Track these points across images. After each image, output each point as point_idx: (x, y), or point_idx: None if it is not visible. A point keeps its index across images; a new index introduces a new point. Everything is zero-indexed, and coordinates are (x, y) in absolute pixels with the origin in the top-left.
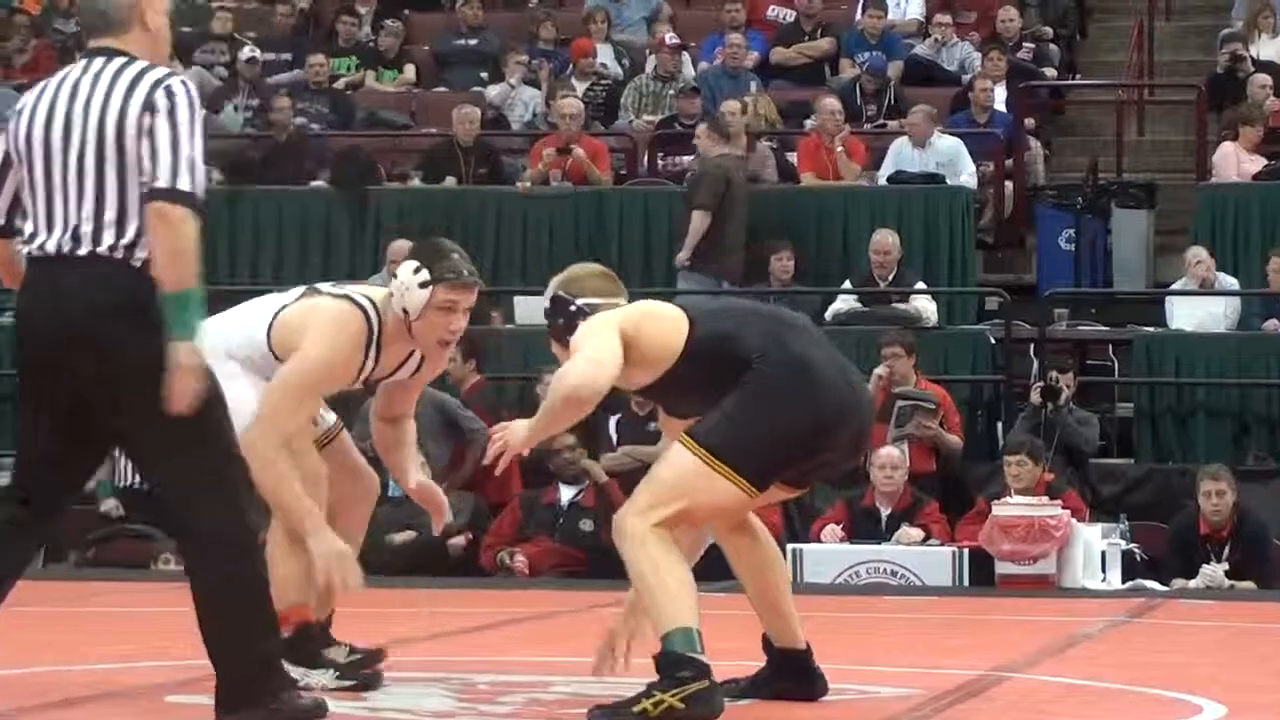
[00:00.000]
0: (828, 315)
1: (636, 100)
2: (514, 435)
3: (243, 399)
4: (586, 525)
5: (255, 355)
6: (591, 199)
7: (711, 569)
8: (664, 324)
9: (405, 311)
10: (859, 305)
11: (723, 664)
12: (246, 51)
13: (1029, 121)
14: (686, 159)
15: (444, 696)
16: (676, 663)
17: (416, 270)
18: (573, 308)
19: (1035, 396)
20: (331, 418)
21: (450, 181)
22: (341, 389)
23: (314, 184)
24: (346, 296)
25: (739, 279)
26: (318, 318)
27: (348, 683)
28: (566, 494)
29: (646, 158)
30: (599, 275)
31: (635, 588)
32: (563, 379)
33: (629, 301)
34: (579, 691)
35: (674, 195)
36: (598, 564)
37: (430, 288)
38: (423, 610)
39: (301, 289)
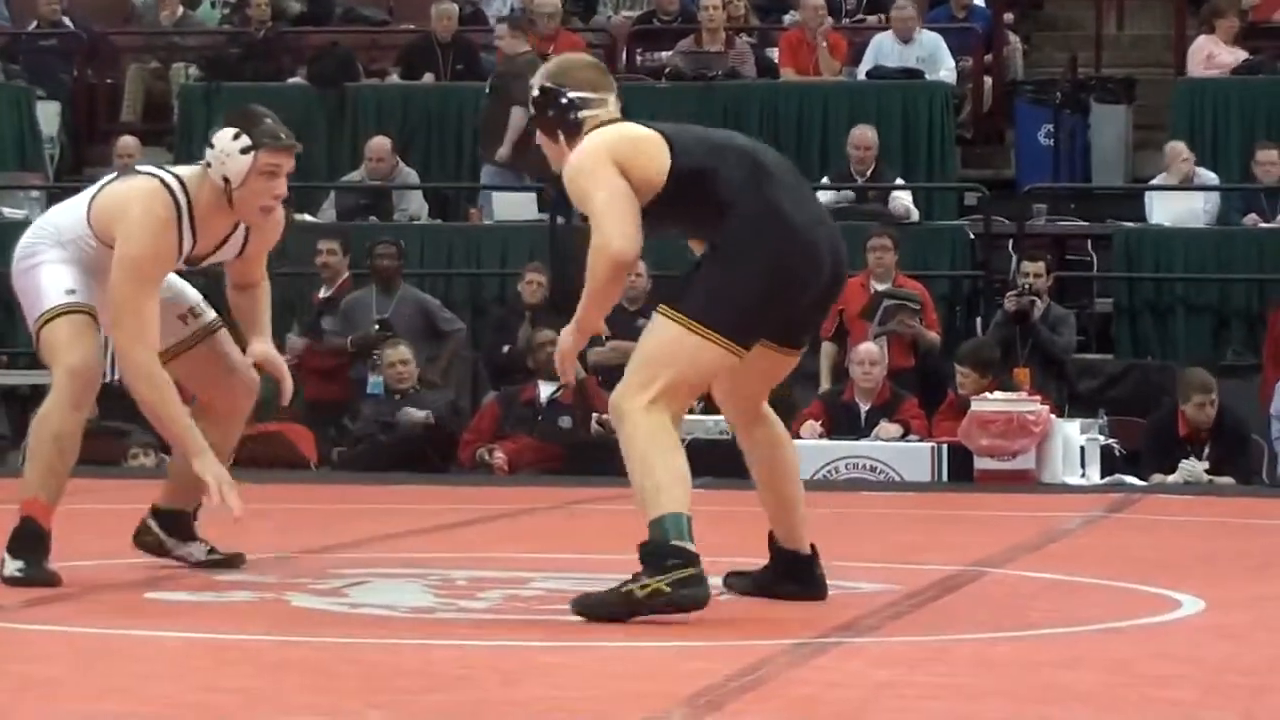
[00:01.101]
0: None
1: None
2: (563, 342)
3: (54, 280)
4: (565, 422)
5: (80, 236)
6: None
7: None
8: (649, 157)
9: (226, 180)
10: (844, 201)
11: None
12: None
13: (1008, 16)
14: (665, 55)
15: (422, 592)
16: (664, 551)
17: (236, 137)
18: (563, 100)
19: (1009, 304)
20: (211, 315)
21: (428, 78)
22: (168, 270)
23: (291, 80)
24: (154, 175)
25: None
26: (126, 202)
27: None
28: (545, 390)
29: (625, 53)
30: (589, 66)
31: (628, 471)
32: (601, 252)
33: (620, 98)
34: (556, 587)
35: (652, 91)
36: (576, 460)
37: (252, 153)
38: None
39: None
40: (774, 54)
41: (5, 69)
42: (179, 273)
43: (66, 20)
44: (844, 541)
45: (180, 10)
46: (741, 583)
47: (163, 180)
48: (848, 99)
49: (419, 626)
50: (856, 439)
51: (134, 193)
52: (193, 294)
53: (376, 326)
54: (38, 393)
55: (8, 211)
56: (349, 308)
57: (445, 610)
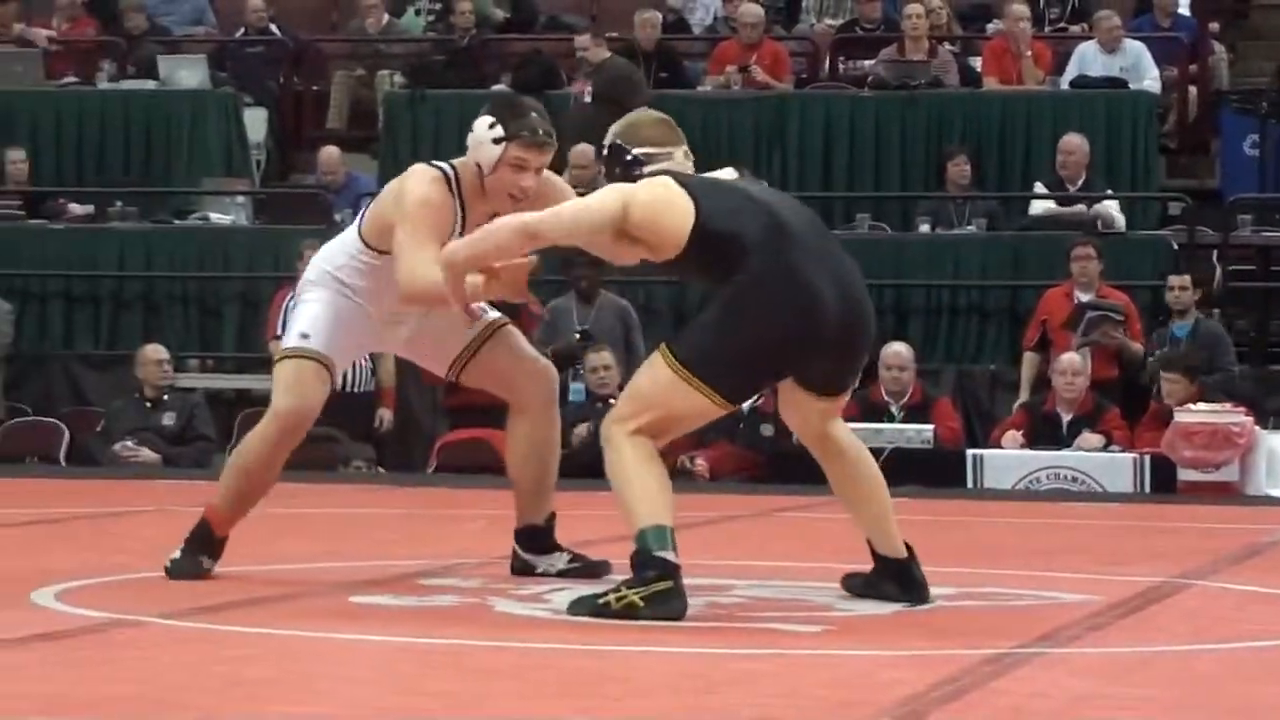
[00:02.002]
0: (970, 224)
1: (818, 3)
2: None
3: (299, 322)
4: (767, 430)
5: (351, 257)
6: (772, 104)
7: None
8: (674, 218)
9: (479, 166)
10: (1051, 209)
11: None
12: None
13: (1213, 25)
14: (867, 63)
15: None
16: (645, 562)
17: (491, 125)
18: (628, 157)
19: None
20: (494, 313)
21: None
22: (445, 231)
23: (495, 87)
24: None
25: None
26: (397, 187)
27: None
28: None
29: (828, 62)
30: (657, 123)
31: (613, 492)
32: (529, 219)
33: (689, 153)
34: (758, 595)
35: (855, 100)
36: (778, 468)
37: (503, 144)
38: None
39: None
40: (977, 63)
41: (213, 76)
42: None
43: (274, 27)
44: (1045, 552)
45: (385, 18)
46: (855, 584)
47: (431, 163)
48: (1051, 108)
49: (621, 632)
50: (1058, 449)
51: (409, 174)
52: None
53: (578, 335)
54: (242, 397)
55: (215, 217)
56: (551, 316)
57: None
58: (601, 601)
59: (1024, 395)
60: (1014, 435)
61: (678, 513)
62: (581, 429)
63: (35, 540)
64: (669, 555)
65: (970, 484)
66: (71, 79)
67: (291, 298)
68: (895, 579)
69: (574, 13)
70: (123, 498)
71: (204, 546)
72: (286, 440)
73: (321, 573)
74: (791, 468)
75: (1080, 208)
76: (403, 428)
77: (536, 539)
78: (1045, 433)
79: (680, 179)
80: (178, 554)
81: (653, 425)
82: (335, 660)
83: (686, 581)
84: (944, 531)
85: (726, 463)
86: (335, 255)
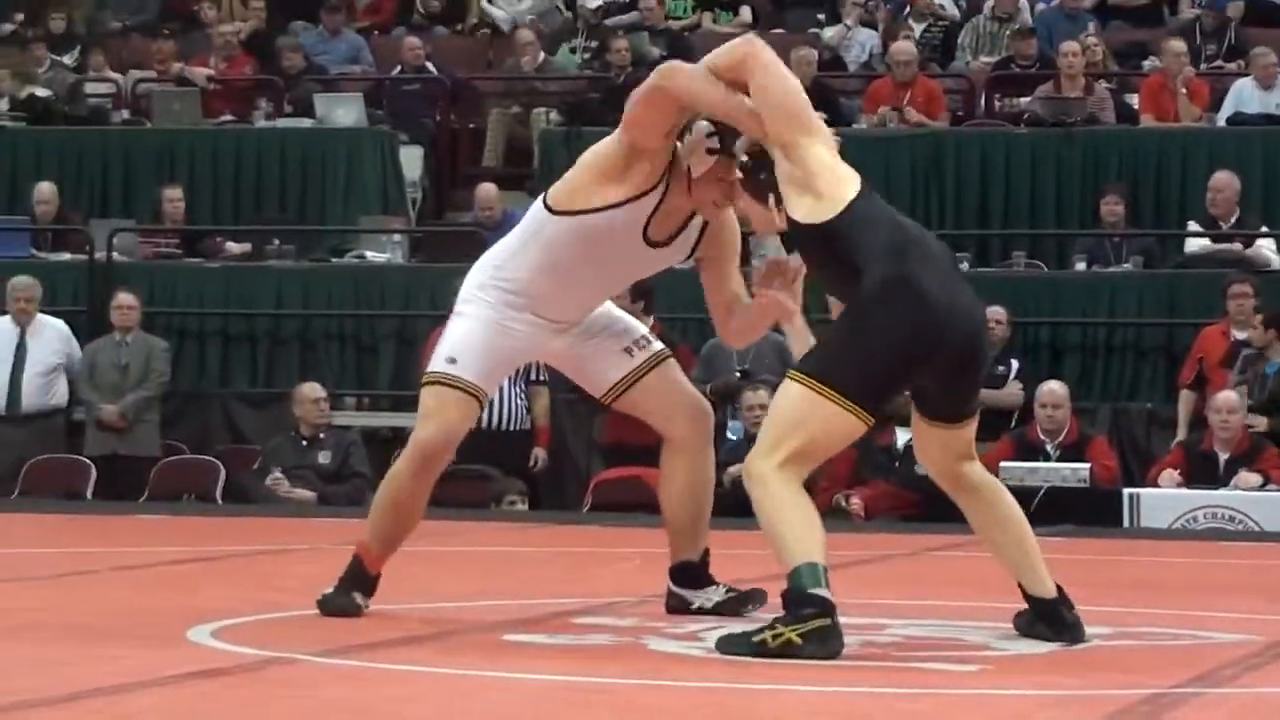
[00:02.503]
0: (1127, 262)
1: (973, 41)
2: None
3: (449, 343)
4: (923, 469)
5: (532, 231)
6: (928, 141)
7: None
8: (838, 188)
9: (689, 168)
10: (1208, 246)
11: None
12: None
13: None
14: (1023, 101)
15: None
16: (800, 599)
17: (710, 135)
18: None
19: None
20: (658, 345)
21: None
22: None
23: None
24: None
25: None
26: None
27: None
28: (903, 436)
29: (984, 99)
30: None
31: (762, 529)
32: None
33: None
34: (913, 634)
35: (1011, 137)
36: (933, 507)
37: (715, 158)
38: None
39: None
40: (1133, 100)
41: (370, 113)
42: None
43: (430, 65)
44: (1202, 591)
45: (541, 56)
46: (1020, 623)
47: None
48: (1207, 146)
49: (775, 671)
50: (1215, 488)
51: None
52: (639, 326)
53: (738, 373)
54: (397, 435)
55: (371, 255)
56: (710, 353)
57: None
58: (758, 639)
59: (1181, 434)
60: (1171, 474)
61: (832, 551)
62: (735, 469)
63: (191, 578)
64: (824, 593)
65: (1127, 523)
66: (229, 117)
67: (453, 313)
68: (1046, 620)
69: None
70: (278, 536)
71: (357, 584)
72: (429, 470)
73: (476, 611)
74: (947, 506)
75: (1236, 245)
76: (557, 466)
77: (690, 574)
78: (1202, 471)
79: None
80: (331, 590)
81: (797, 453)
82: (490, 699)
83: (841, 620)
84: (1100, 570)
85: (882, 501)
86: (493, 265)
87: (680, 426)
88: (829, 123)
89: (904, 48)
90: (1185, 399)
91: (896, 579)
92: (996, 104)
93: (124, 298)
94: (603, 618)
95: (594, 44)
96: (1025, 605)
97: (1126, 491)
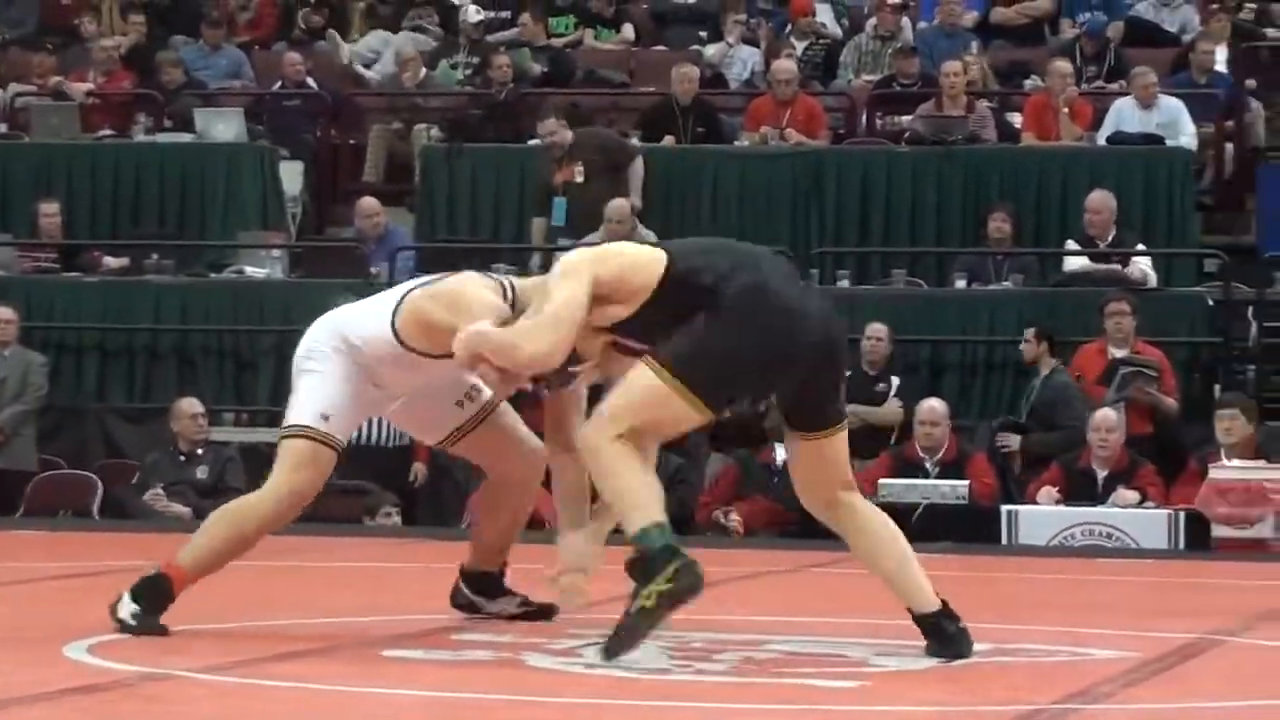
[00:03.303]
0: (1007, 280)
1: (855, 59)
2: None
3: (316, 397)
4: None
5: (381, 340)
6: (809, 159)
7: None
8: (646, 269)
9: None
10: (1086, 265)
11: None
12: (472, 11)
13: (1250, 82)
14: (905, 119)
15: (658, 654)
16: (653, 557)
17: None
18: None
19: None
20: (487, 394)
21: (669, 140)
22: None
23: (532, 141)
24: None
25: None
26: (455, 289)
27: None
28: (781, 453)
29: (865, 118)
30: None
31: (602, 495)
32: (524, 344)
33: None
34: (793, 650)
35: (892, 156)
36: (812, 524)
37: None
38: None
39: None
40: (1014, 119)
41: (250, 129)
42: None
43: (310, 81)
44: (1079, 608)
45: (423, 72)
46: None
47: (487, 274)
48: (1088, 165)
49: (655, 689)
50: (1093, 505)
51: (461, 281)
52: (468, 378)
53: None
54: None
55: (250, 270)
56: None
57: (681, 672)
58: (635, 611)
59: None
60: (1049, 491)
61: (711, 567)
62: None
63: (68, 593)
64: (670, 540)
65: (1005, 540)
66: (108, 132)
67: (303, 364)
68: (932, 634)
69: (612, 66)
70: (155, 551)
71: (161, 606)
72: (284, 518)
73: (355, 626)
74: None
75: (1115, 265)
76: (435, 482)
77: (488, 583)
78: (1080, 489)
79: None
80: (134, 608)
81: (633, 431)
82: (367, 715)
83: (720, 636)
84: (978, 587)
85: (760, 517)
86: (361, 329)
87: (514, 468)
88: (708, 139)
89: (785, 66)
90: None
91: (775, 595)
92: (878, 122)
93: (1, 311)
94: (481, 634)
95: (475, 60)
96: (891, 622)
97: (1005, 508)
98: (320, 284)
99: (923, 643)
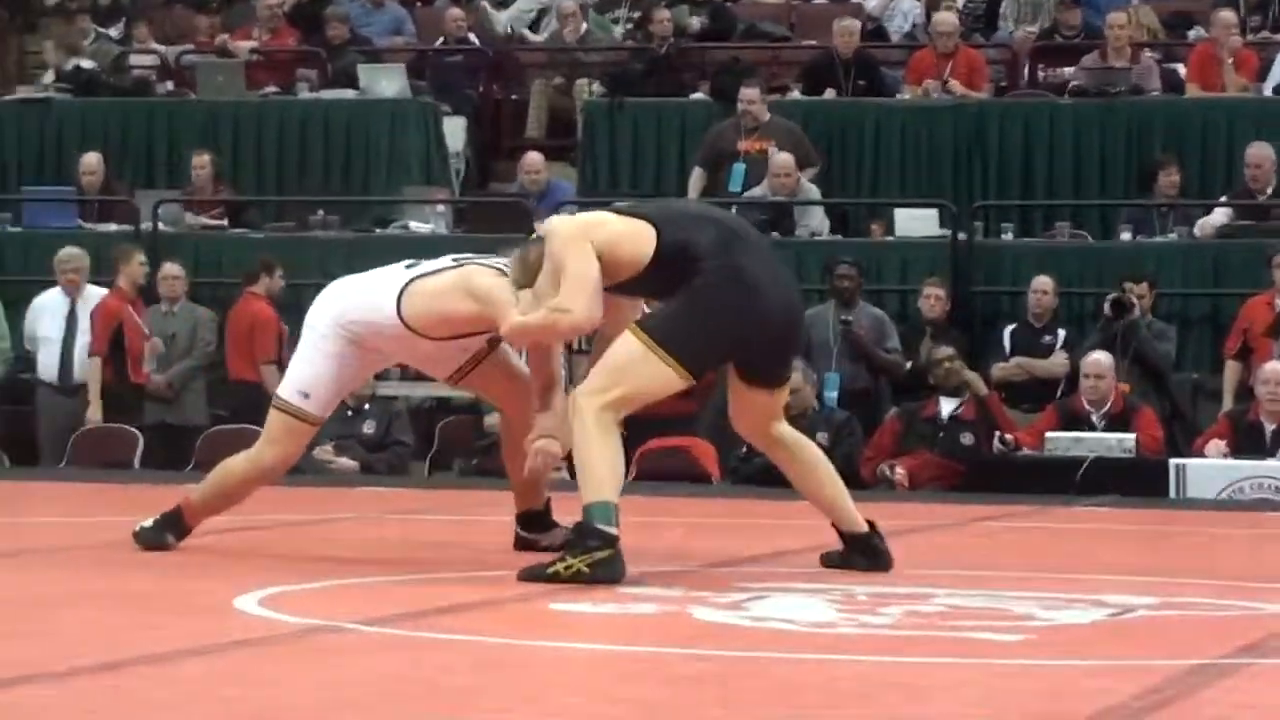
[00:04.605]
0: (1196, 230)
1: (1016, 10)
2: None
3: (304, 373)
4: (967, 438)
5: (374, 328)
6: (971, 111)
7: None
8: (635, 242)
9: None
10: (1238, 219)
11: None
12: None
13: None
14: (1068, 70)
15: (824, 606)
16: (589, 532)
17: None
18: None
19: (1106, 309)
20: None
21: (829, 93)
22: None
23: (694, 96)
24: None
25: None
26: (462, 280)
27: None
28: (947, 406)
29: (1027, 69)
30: None
31: (574, 458)
32: (563, 316)
33: None
34: (958, 604)
35: (1055, 108)
36: (978, 477)
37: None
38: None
39: (428, 262)
40: (1179, 69)
41: (412, 85)
42: None
43: (472, 37)
44: (1248, 562)
45: (584, 26)
46: (832, 558)
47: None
48: (1253, 115)
49: (821, 641)
50: (1262, 458)
51: (466, 275)
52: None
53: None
54: (441, 405)
55: (414, 225)
56: (808, 323)
57: (847, 625)
58: (551, 571)
59: (1227, 404)
60: (1217, 444)
61: (882, 520)
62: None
63: (239, 547)
64: (610, 529)
65: (1173, 494)
66: (272, 89)
67: (306, 330)
68: (862, 552)
69: (772, 20)
70: (324, 505)
71: (173, 527)
72: (259, 484)
73: (523, 583)
74: (991, 477)
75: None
76: None
77: (537, 521)
78: (1249, 442)
79: (625, 209)
80: (150, 523)
81: (620, 399)
82: (536, 668)
83: (885, 590)
84: (1146, 542)
85: (926, 471)
86: (362, 313)
87: (516, 405)
88: (869, 92)
89: (946, 18)
90: (1231, 369)
91: (940, 549)
92: (1040, 74)
93: (170, 268)
94: (647, 588)
95: (636, 14)
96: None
97: (1173, 462)
98: (484, 239)
99: (1091, 596)
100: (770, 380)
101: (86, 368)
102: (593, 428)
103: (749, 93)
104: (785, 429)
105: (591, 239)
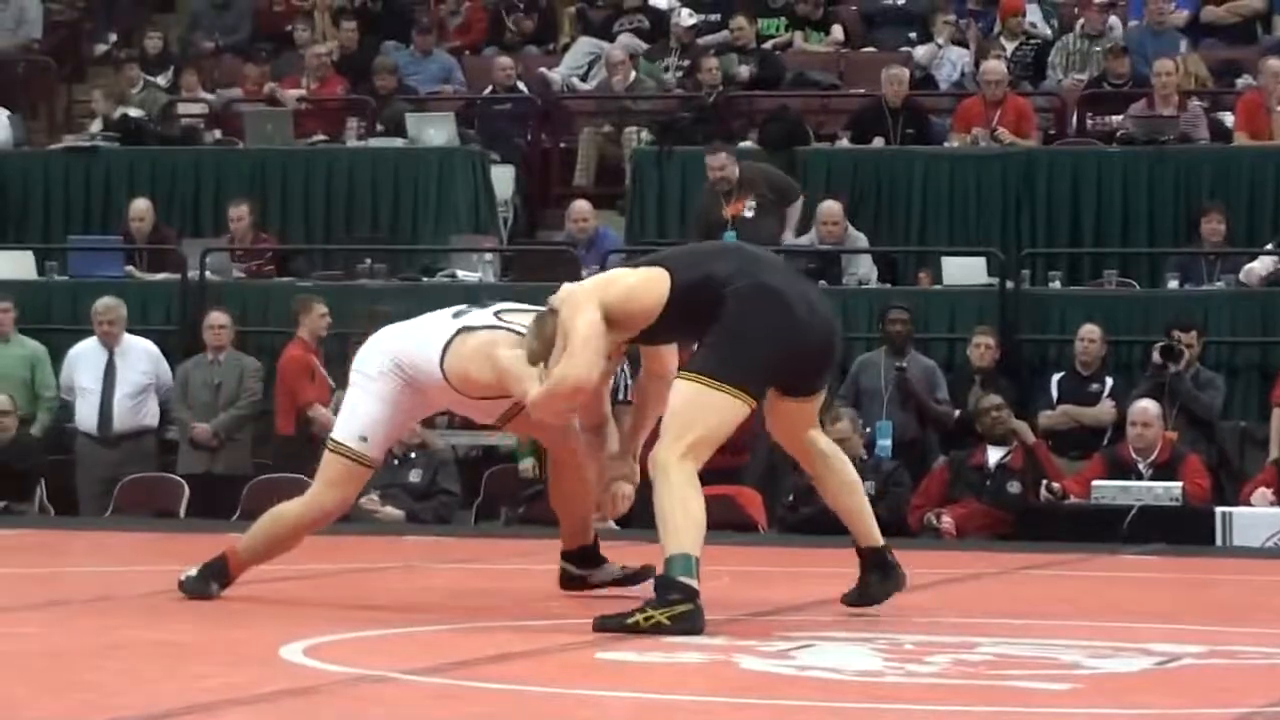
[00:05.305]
0: (1242, 276)
1: (1064, 59)
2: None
3: (358, 416)
4: (1014, 487)
5: (422, 375)
6: (1019, 159)
7: None
8: (649, 291)
9: None
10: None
11: None
12: (685, 15)
13: None
14: (1116, 119)
15: (870, 655)
16: (671, 585)
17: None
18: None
19: (1156, 357)
20: None
21: (878, 142)
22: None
23: (742, 144)
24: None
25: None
26: (484, 346)
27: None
28: (994, 455)
29: (1075, 117)
30: None
31: (655, 514)
32: (564, 381)
33: None
34: (1005, 653)
35: (1103, 156)
36: (1025, 525)
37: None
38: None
39: (477, 311)
40: (1226, 117)
41: (461, 133)
42: None
43: (521, 85)
44: None
45: (633, 74)
46: (849, 597)
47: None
48: None
49: (867, 690)
50: None
51: (492, 343)
52: None
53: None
54: (488, 454)
55: (462, 274)
56: (859, 370)
57: (893, 674)
58: (631, 621)
59: (1274, 452)
60: (1264, 493)
61: (924, 570)
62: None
63: (284, 596)
64: (692, 581)
65: (1219, 542)
66: (320, 137)
67: (354, 375)
68: (876, 568)
69: (821, 69)
70: (369, 554)
71: (217, 576)
72: (315, 527)
73: (570, 629)
74: (1038, 525)
75: None
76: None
77: (585, 557)
78: None
79: (640, 260)
80: (194, 572)
81: (697, 443)
82: (583, 718)
83: (932, 639)
84: (1193, 589)
85: (973, 520)
86: (412, 358)
87: (563, 445)
88: (917, 140)
89: (995, 67)
90: (1277, 416)
91: (987, 598)
92: (1088, 122)
93: (216, 316)
94: (692, 636)
95: (685, 63)
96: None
97: (1219, 510)
98: (532, 287)
99: (1138, 645)
100: (805, 391)
101: (127, 418)
102: (674, 479)
103: (715, 160)
104: (820, 437)
105: (603, 298)
